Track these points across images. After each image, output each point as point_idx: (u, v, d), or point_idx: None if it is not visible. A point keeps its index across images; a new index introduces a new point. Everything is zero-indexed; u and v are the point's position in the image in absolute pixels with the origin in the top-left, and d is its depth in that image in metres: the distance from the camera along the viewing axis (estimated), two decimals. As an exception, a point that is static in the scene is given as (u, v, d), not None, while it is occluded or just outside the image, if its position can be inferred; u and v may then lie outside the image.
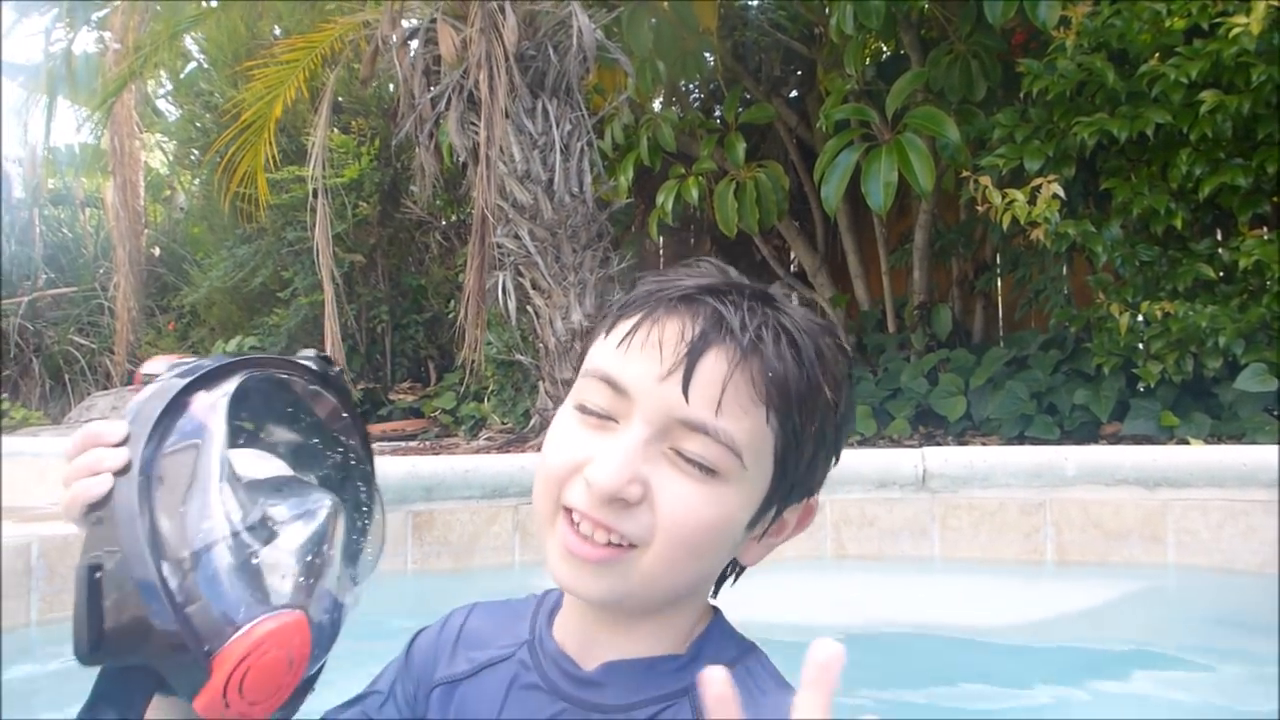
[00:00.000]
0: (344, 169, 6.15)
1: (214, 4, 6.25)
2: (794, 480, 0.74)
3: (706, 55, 5.86)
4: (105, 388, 7.55)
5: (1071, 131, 4.13)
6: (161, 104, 8.81)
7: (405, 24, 4.50)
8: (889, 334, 5.63)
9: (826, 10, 4.92)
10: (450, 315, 6.45)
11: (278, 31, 6.73)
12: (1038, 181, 4.04)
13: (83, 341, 7.77)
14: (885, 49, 6.22)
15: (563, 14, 4.16)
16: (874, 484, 3.11)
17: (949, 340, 5.33)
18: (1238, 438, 3.83)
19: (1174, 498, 2.96)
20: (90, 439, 0.68)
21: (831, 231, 6.32)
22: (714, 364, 0.70)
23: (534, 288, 4.11)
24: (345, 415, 0.84)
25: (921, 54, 5.05)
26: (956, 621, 2.86)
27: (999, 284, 5.84)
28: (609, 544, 0.71)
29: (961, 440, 4.53)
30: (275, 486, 0.74)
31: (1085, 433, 4.25)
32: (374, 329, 6.70)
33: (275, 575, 0.68)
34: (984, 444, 4.33)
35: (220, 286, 6.93)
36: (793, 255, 6.69)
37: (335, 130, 6.09)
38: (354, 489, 0.83)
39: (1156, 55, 3.89)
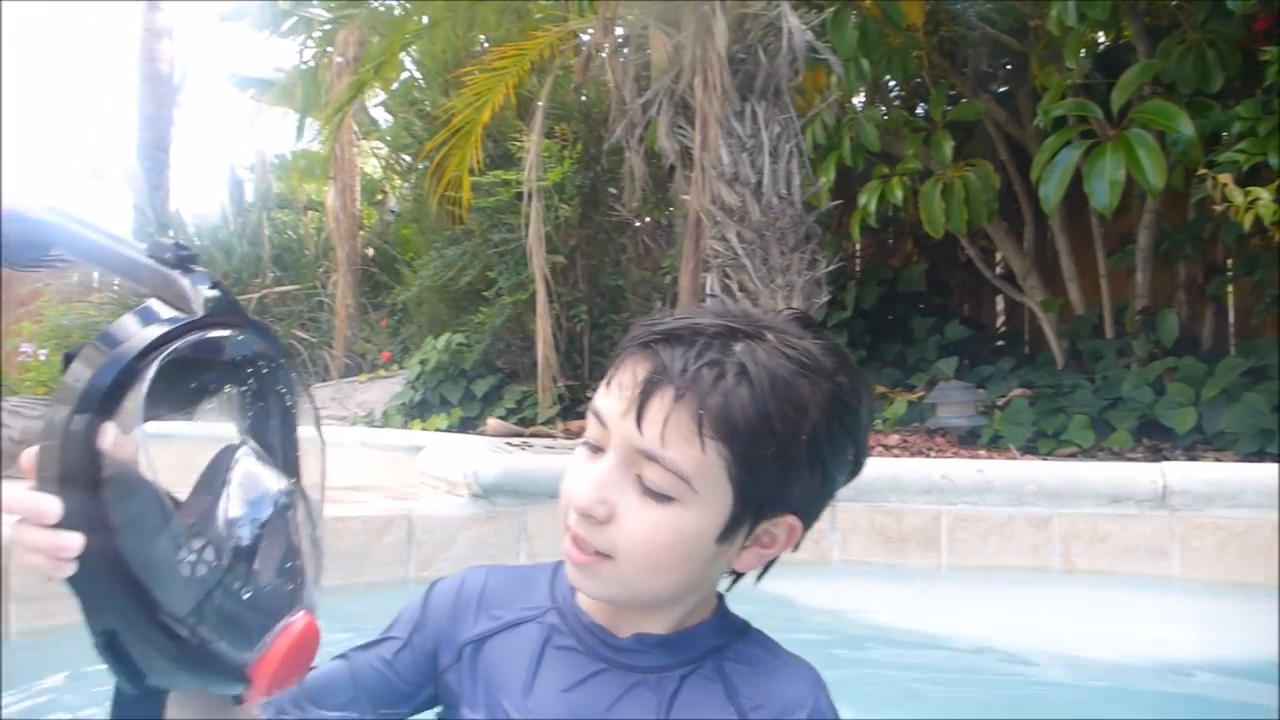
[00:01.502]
0: (548, 172, 6.33)
1: (426, 20, 6.53)
2: (760, 499, 0.84)
3: (912, 52, 5.71)
4: (324, 379, 8.04)
5: (1326, 124, 3.82)
6: (374, 112, 9.31)
7: (616, 31, 4.60)
8: (1107, 340, 5.35)
9: (1041, 2, 4.73)
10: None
11: (485, 42, 7.00)
12: (1287, 179, 3.75)
13: (304, 336, 8.31)
14: (1103, 40, 5.91)
15: (771, 15, 4.15)
16: (1107, 499, 2.96)
17: (1175, 348, 5.01)
18: None
19: None
20: (26, 513, 0.68)
21: (1042, 232, 6.06)
22: (658, 403, 0.81)
23: (741, 290, 4.12)
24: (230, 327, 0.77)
25: (1149, 44, 4.77)
26: (1197, 647, 2.69)
27: (1231, 288, 5.45)
28: (595, 553, 0.84)
29: (1191, 454, 4.25)
30: (221, 491, 0.73)
31: (1337, 450, 3.92)
32: (573, 329, 6.86)
33: (271, 588, 0.73)
34: (1217, 459, 4.05)
35: (430, 285, 7.26)
36: (999, 256, 6.44)
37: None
38: (277, 399, 0.80)
39: None
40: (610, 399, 0.85)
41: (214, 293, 0.77)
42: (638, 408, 0.82)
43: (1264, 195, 3.76)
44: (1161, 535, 2.91)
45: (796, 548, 0.92)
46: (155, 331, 0.72)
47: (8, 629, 2.38)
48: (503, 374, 6.97)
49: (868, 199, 5.24)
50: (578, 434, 6.00)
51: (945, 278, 6.97)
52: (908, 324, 6.28)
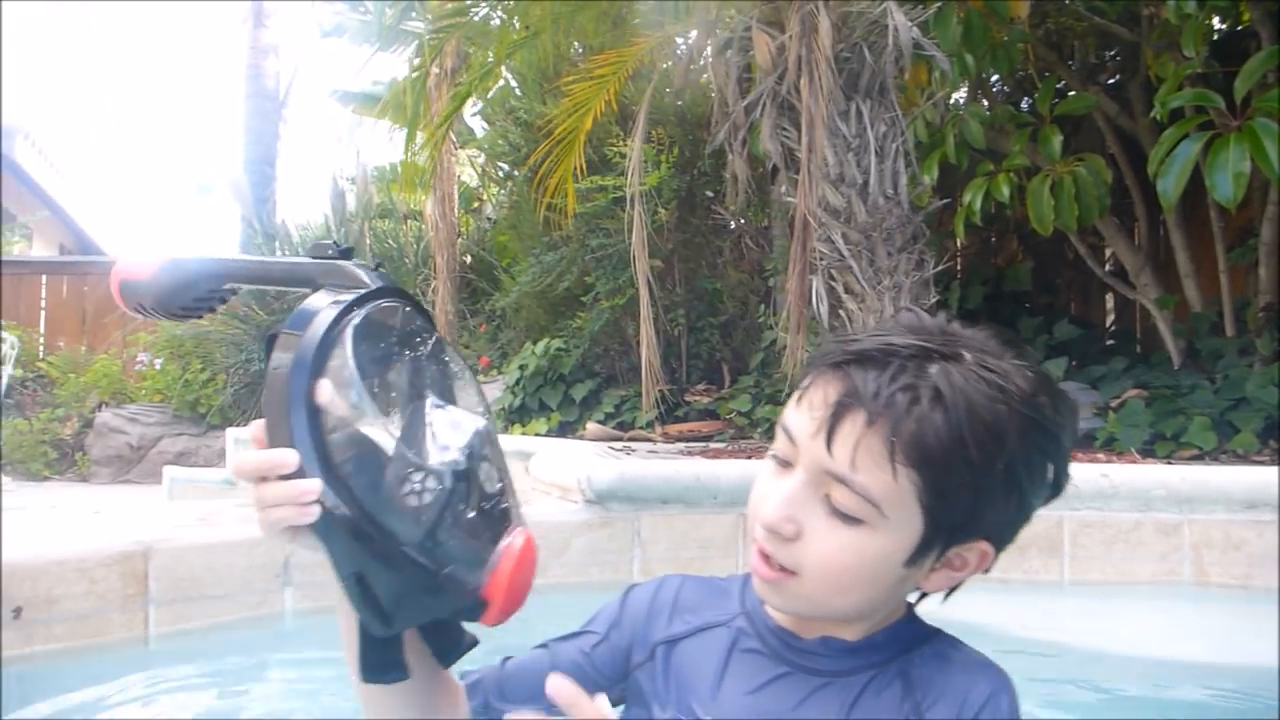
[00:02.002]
0: (646, 177, 6.35)
1: (528, 30, 6.60)
2: (952, 525, 0.83)
3: (1017, 45, 5.58)
4: (425, 385, 8.18)
5: None
6: (470, 121, 9.45)
7: (717, 34, 4.58)
8: (1227, 338, 5.15)
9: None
10: (760, 320, 6.50)
11: (580, 50, 7.05)
12: None
13: (406, 343, 8.46)
14: (1219, 26, 5.70)
15: (876, 13, 4.10)
16: (1241, 504, 2.84)
17: (1302, 345, 4.81)
18: None
19: None
20: (267, 467, 0.76)
21: (1155, 227, 5.86)
22: (850, 426, 0.80)
23: (847, 292, 4.07)
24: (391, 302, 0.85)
25: (1273, 29, 4.58)
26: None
27: (1362, 282, 5.19)
28: (780, 569, 0.85)
29: (1324, 457, 4.07)
30: (426, 429, 0.80)
31: None
32: (670, 332, 6.87)
33: (488, 508, 0.80)
34: (1353, 462, 3.87)
35: (528, 291, 7.33)
36: (1109, 253, 6.25)
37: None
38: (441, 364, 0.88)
39: None
40: (800, 416, 0.85)
41: (378, 275, 0.87)
42: (828, 429, 0.82)
43: (1404, 185, 3.58)
44: (1301, 543, 2.79)
45: (988, 571, 0.90)
46: (334, 311, 0.81)
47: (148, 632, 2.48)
48: (601, 378, 7.01)
49: (972, 196, 5.13)
50: (677, 438, 6.02)
51: (1052, 276, 6.80)
52: (1014, 324, 6.13)
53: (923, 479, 0.80)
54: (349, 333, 0.79)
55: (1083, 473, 3.01)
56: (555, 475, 3.21)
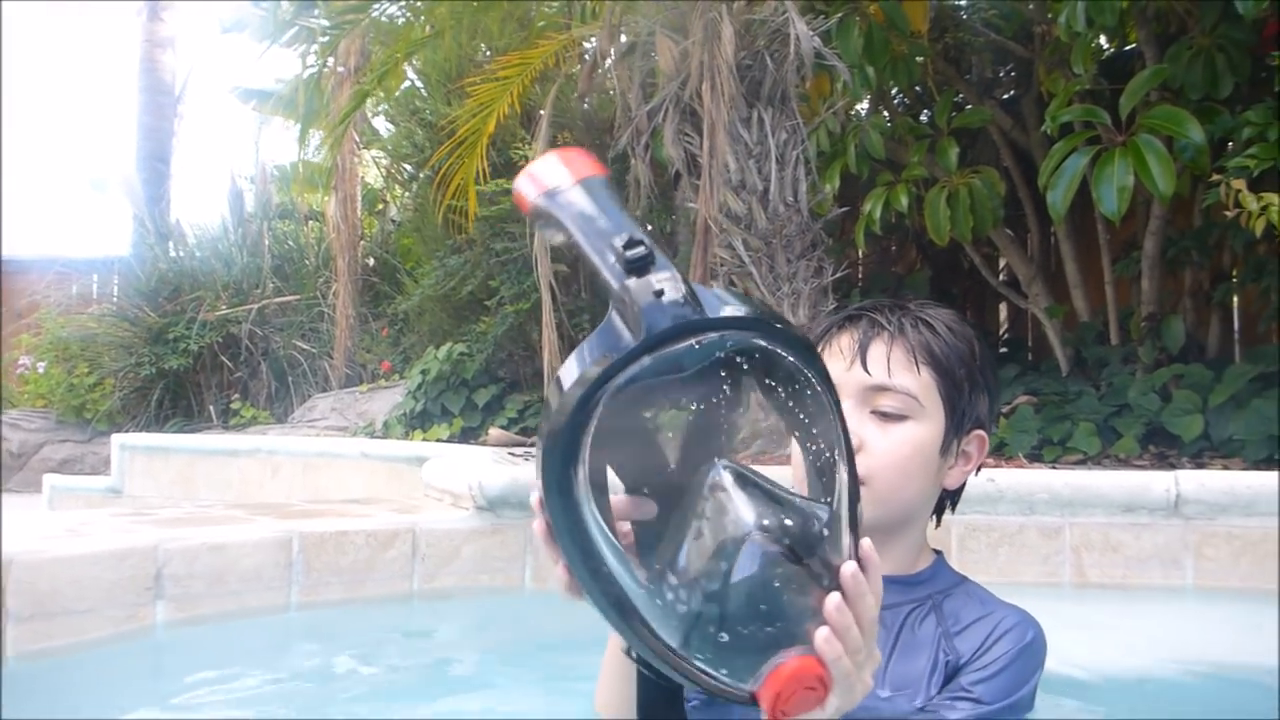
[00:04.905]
0: (550, 181, 6.30)
1: (430, 29, 6.50)
2: (962, 411, 1.12)
3: (916, 59, 5.70)
4: (325, 390, 8.00)
5: (1336, 129, 3.79)
6: (375, 121, 9.27)
7: (621, 38, 4.57)
8: (1112, 347, 5.32)
9: (1049, 9, 4.70)
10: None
11: (488, 51, 6.97)
12: (1297, 184, 3.72)
13: (305, 346, 8.26)
14: (1108, 47, 5.90)
15: (778, 21, 4.13)
16: (1120, 508, 2.92)
17: (1181, 354, 4.99)
18: None
19: None
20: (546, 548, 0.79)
21: (1046, 239, 6.04)
22: (877, 348, 1.10)
23: (747, 298, 4.08)
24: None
25: (1157, 49, 4.75)
26: (1212, 655, 2.65)
27: (1236, 295, 5.42)
28: None
29: (1199, 462, 4.22)
30: (691, 525, 0.77)
31: (1349, 458, 3.89)
32: (575, 337, 6.83)
33: (750, 631, 0.75)
34: (1225, 466, 4.02)
35: (431, 295, 7.22)
36: (1003, 263, 6.42)
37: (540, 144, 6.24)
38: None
39: None
40: (830, 364, 0.98)
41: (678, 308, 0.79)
42: (862, 355, 1.09)
43: (1276, 201, 3.72)
44: (1175, 545, 2.88)
45: (980, 468, 1.20)
46: (584, 383, 0.76)
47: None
48: (504, 383, 6.94)
49: (872, 206, 5.21)
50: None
51: (949, 285, 6.95)
52: (912, 332, 6.24)
53: (938, 375, 1.10)
54: (597, 411, 0.73)
55: (970, 478, 3.06)
56: (447, 482, 3.14)
